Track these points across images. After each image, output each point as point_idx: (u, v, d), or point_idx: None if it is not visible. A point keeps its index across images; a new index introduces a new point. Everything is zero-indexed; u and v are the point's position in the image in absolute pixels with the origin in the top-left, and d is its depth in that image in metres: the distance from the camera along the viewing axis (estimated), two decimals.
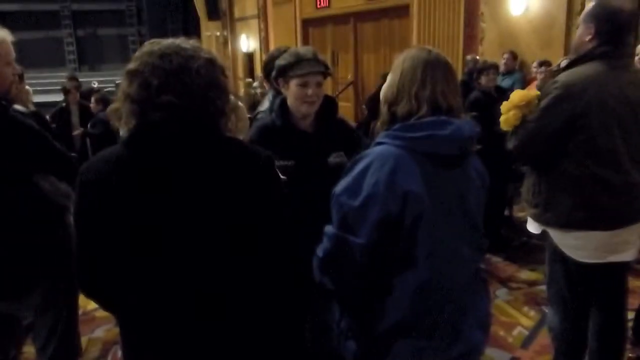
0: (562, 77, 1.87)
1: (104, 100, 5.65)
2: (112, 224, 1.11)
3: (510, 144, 2.02)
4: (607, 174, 1.85)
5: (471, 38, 6.89)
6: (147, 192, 1.11)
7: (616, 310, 2.13)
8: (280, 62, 1.82)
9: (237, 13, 12.42)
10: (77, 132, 5.74)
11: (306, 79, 1.78)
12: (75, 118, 5.88)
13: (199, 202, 1.13)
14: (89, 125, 5.58)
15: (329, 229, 1.29)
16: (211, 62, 1.17)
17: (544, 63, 5.60)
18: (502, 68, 5.95)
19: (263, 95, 6.73)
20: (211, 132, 1.16)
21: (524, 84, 5.87)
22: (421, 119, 1.25)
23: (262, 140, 1.81)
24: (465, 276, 1.35)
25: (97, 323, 3.12)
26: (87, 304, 3.01)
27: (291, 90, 1.81)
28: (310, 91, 1.78)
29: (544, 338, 2.86)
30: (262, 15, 11.08)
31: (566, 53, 5.59)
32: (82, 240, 1.16)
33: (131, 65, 1.13)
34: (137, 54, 1.15)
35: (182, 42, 1.16)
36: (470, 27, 6.88)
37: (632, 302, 2.86)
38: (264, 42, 11.29)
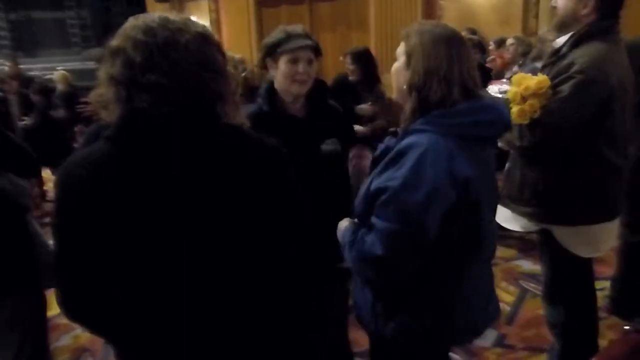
0: (578, 59, 1.70)
1: (44, 90, 5.30)
2: (100, 234, 0.95)
3: (525, 141, 1.78)
4: (620, 161, 1.77)
5: (430, 17, 6.85)
6: (137, 196, 0.96)
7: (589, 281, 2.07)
8: (268, 40, 1.70)
9: None
10: (23, 123, 5.23)
11: (297, 54, 1.65)
12: (14, 108, 5.33)
13: (199, 203, 1.00)
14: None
15: (382, 225, 1.20)
16: (203, 36, 1.02)
17: (500, 41, 5.65)
18: None
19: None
20: (207, 119, 1.02)
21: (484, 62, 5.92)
22: (458, 105, 1.22)
23: (250, 128, 1.67)
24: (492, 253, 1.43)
25: (63, 330, 2.86)
26: (49, 310, 2.75)
27: (280, 68, 1.68)
28: (300, 67, 1.66)
29: (527, 312, 2.91)
30: None
31: (524, 30, 5.66)
32: (65, 256, 0.99)
33: (113, 43, 1.00)
34: (120, 30, 1.01)
35: (170, 15, 1.03)
36: (429, 6, 6.86)
37: (603, 270, 2.94)
38: (215, 23, 10.85)
